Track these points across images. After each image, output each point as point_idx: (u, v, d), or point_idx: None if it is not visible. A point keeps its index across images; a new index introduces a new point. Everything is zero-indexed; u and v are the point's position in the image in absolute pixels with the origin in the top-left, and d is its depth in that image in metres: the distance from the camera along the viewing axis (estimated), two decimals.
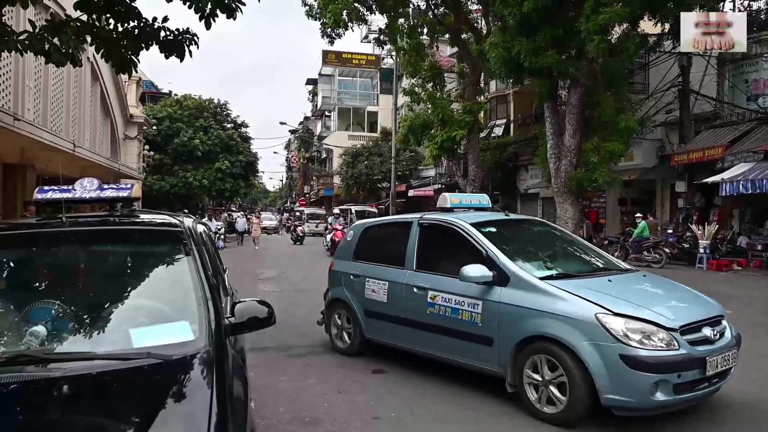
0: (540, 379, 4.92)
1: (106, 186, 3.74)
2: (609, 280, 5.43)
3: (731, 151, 17.44)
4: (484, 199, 7.35)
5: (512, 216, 7.25)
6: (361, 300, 6.90)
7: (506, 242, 5.94)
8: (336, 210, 27.63)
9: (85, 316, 2.98)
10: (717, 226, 17.91)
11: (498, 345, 5.26)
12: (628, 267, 6.49)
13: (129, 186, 3.85)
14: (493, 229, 6.10)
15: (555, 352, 4.81)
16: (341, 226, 23.95)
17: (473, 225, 5.98)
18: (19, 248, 3.46)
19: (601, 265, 6.09)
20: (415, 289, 6.15)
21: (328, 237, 24.18)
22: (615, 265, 6.22)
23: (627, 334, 4.53)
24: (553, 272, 5.54)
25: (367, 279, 6.84)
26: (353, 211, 34.68)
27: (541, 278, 5.25)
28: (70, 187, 3.65)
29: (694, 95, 19.70)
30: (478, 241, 5.74)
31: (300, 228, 33.33)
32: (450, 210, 6.90)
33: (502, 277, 5.35)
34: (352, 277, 7.12)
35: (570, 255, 6.38)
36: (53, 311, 2.84)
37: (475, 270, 5.37)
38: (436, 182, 35.17)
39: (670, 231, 19.49)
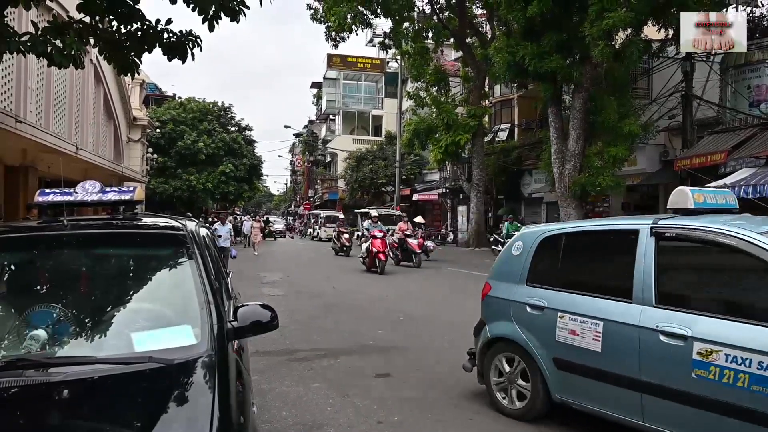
0: None
1: (108, 189, 3.71)
2: None
3: (733, 157, 17.40)
4: (731, 197, 5.07)
5: None
6: (548, 344, 4.87)
7: None
8: (373, 213, 22.87)
9: (86, 320, 2.95)
10: None
11: None
12: None
13: (131, 189, 3.82)
14: None
15: None
16: (382, 233, 18.75)
17: None
18: (19, 251, 3.44)
19: None
20: (661, 337, 4.06)
21: (363, 246, 19.65)
22: None
23: None
24: None
25: (559, 314, 4.79)
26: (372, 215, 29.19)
27: None
28: (72, 190, 3.63)
29: (696, 101, 19.67)
30: None
31: (345, 236, 25.60)
32: (693, 212, 4.69)
33: None
34: (529, 309, 5.08)
35: None
36: (54, 315, 2.82)
37: None
38: (440, 186, 35.20)
39: None
